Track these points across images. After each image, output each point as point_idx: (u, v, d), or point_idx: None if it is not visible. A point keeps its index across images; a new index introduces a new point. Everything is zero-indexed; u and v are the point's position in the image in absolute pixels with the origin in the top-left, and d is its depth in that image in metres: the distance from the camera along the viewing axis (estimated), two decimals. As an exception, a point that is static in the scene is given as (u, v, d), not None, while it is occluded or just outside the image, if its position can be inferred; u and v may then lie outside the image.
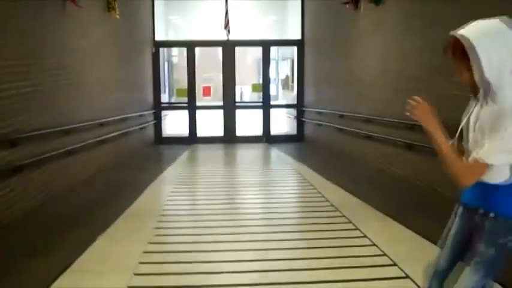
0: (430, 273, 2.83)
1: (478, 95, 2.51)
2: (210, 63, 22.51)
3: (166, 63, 19.81)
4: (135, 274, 4.44)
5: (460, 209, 2.74)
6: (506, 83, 2.36)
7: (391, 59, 9.24)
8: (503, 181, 2.47)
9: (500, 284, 4.03)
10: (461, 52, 2.43)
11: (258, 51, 17.47)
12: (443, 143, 2.50)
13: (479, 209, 2.57)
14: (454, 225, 2.77)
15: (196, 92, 16.01)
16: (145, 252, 5.05)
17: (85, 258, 4.84)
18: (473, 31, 2.39)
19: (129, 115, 12.13)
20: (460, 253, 2.67)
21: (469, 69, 2.43)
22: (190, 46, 15.81)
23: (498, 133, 2.34)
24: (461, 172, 2.46)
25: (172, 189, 8.41)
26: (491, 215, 2.51)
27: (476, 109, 2.52)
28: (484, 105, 2.46)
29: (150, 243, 5.37)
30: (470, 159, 2.43)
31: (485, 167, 2.39)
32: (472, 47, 2.35)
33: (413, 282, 4.13)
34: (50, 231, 5.84)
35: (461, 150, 2.59)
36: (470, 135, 2.55)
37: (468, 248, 2.59)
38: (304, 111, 15.68)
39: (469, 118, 2.58)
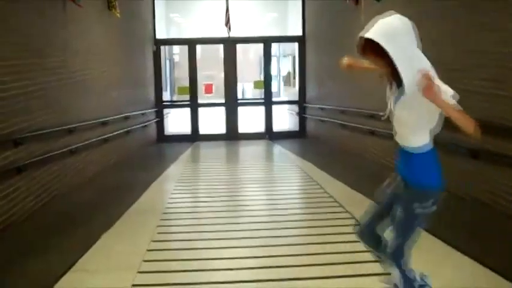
0: (364, 221, 3.31)
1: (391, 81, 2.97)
2: (211, 61, 22.51)
3: (167, 61, 19.80)
4: (139, 272, 4.44)
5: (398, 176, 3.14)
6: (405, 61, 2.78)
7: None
8: (422, 145, 2.96)
9: (500, 274, 4.05)
10: (371, 50, 2.85)
11: (259, 48, 17.46)
12: (455, 108, 2.73)
13: (402, 178, 3.08)
14: (392, 186, 3.19)
15: (198, 89, 16.02)
16: (149, 250, 5.05)
17: (89, 256, 4.85)
18: (379, 31, 2.80)
19: (131, 113, 12.14)
20: (388, 211, 3.16)
21: (385, 63, 2.84)
22: (191, 44, 15.81)
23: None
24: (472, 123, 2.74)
25: (175, 187, 8.42)
26: (407, 183, 3.02)
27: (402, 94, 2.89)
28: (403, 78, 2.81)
29: (154, 241, 5.38)
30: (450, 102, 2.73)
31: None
32: (383, 44, 2.75)
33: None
34: (53, 230, 5.85)
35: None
36: (396, 114, 2.97)
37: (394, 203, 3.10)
38: (306, 107, 15.67)
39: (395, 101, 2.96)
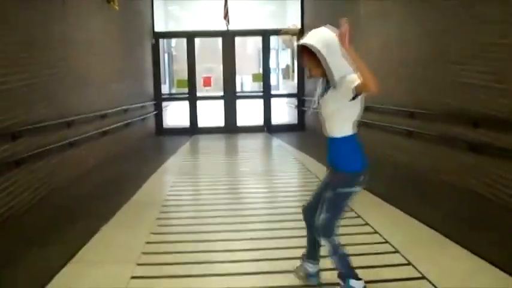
0: (305, 208, 3.87)
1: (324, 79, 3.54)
2: (210, 54, 22.49)
3: (166, 55, 19.77)
4: (138, 264, 4.46)
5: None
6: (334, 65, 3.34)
7: (392, 46, 9.22)
8: (345, 135, 3.53)
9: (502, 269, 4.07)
10: (308, 55, 3.41)
11: (258, 41, 17.44)
12: (361, 61, 3.19)
13: (330, 167, 3.63)
14: (325, 176, 3.77)
15: (197, 82, 16.01)
16: (148, 242, 5.07)
17: (88, 248, 4.87)
18: (315, 39, 3.38)
19: (130, 106, 12.15)
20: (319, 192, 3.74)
21: (318, 65, 3.41)
22: (190, 37, 15.79)
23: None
24: (372, 78, 3.16)
25: (174, 180, 8.43)
26: (333, 170, 3.59)
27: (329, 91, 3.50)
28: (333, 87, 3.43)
29: (153, 233, 5.39)
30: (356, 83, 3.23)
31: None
32: (318, 51, 3.32)
33: (416, 268, 4.14)
34: (53, 222, 5.86)
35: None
36: (324, 107, 3.57)
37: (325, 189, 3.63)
38: (305, 100, 15.66)
39: (322, 95, 3.59)
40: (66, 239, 5.17)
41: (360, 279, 3.60)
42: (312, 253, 3.93)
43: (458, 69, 6.84)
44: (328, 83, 3.47)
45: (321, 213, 3.56)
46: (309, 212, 3.80)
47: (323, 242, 3.64)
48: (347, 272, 3.61)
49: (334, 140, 3.59)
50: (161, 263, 4.54)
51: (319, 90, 3.62)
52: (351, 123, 3.51)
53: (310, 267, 3.94)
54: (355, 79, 3.21)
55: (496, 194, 6.10)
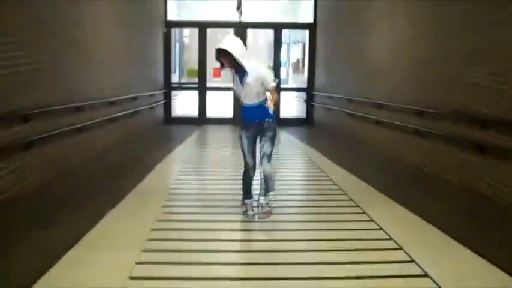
0: (252, 170, 5.62)
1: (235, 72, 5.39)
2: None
3: (177, 44, 19.78)
4: (143, 251, 4.49)
5: (247, 127, 5.45)
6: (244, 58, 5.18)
7: (403, 44, 9.21)
8: (263, 100, 5.37)
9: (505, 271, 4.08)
10: (223, 54, 5.16)
11: (269, 34, 17.42)
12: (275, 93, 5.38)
13: (263, 120, 5.38)
14: (245, 140, 5.49)
15: (207, 73, 16.01)
16: (153, 229, 5.10)
17: (94, 233, 4.90)
18: (230, 44, 5.14)
19: (139, 94, 12.18)
20: (254, 146, 5.56)
21: (230, 62, 5.23)
22: (202, 27, 15.79)
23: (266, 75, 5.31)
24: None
25: (181, 169, 8.47)
26: (268, 120, 5.39)
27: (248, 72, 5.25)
28: (246, 76, 5.27)
29: (158, 220, 5.42)
30: (270, 90, 5.33)
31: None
32: (233, 54, 5.10)
33: (418, 266, 4.15)
34: (60, 205, 5.90)
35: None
36: (247, 87, 5.33)
37: (261, 138, 5.48)
38: (314, 95, 15.67)
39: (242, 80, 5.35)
40: (72, 223, 5.21)
41: None
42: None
43: (467, 69, 6.84)
44: (243, 73, 5.28)
45: (267, 148, 5.48)
46: (254, 164, 5.62)
47: (270, 167, 5.54)
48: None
49: (258, 105, 5.39)
50: (166, 250, 4.56)
51: (236, 77, 5.42)
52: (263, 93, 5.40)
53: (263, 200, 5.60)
54: (271, 83, 5.31)
55: (500, 195, 6.10)
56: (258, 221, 5.50)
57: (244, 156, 5.54)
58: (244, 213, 5.61)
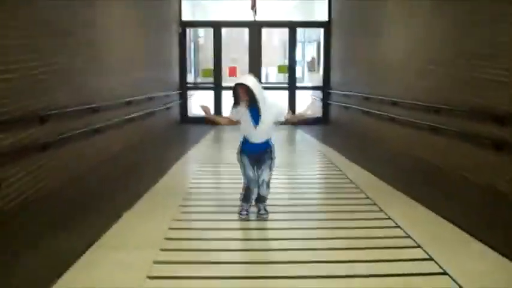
0: (253, 183, 5.56)
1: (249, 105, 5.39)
2: (236, 44, 22.48)
3: (192, 44, 19.82)
4: (161, 250, 4.50)
5: (247, 155, 5.55)
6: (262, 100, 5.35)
7: (419, 42, 9.15)
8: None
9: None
10: (246, 90, 5.31)
11: (284, 32, 17.40)
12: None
13: (264, 150, 5.52)
14: (245, 158, 5.56)
15: (222, 72, 16.03)
16: (170, 228, 5.11)
17: (111, 233, 4.92)
18: (250, 81, 5.33)
19: (155, 94, 12.22)
20: (254, 169, 5.56)
21: (248, 96, 5.32)
22: (216, 26, 15.81)
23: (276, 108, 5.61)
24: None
25: (197, 168, 8.48)
26: (269, 149, 5.55)
27: (263, 111, 5.39)
28: (260, 117, 5.39)
29: (175, 220, 5.44)
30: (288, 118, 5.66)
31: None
32: (252, 90, 5.28)
33: (437, 264, 4.12)
34: (77, 206, 5.94)
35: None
36: (261, 125, 5.42)
37: (260, 164, 5.53)
38: (329, 93, 15.62)
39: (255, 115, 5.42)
40: (89, 224, 5.24)
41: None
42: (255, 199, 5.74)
43: (481, 66, 6.78)
44: (253, 107, 5.38)
45: (266, 175, 5.53)
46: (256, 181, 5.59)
47: (268, 191, 5.61)
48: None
49: (265, 142, 5.55)
50: (183, 249, 4.58)
51: (246, 111, 5.42)
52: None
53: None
54: (283, 114, 5.61)
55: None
56: (274, 219, 5.50)
57: (245, 171, 5.58)
58: (238, 213, 5.66)
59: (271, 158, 5.57)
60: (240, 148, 5.61)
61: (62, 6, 7.10)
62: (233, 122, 5.62)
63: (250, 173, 5.53)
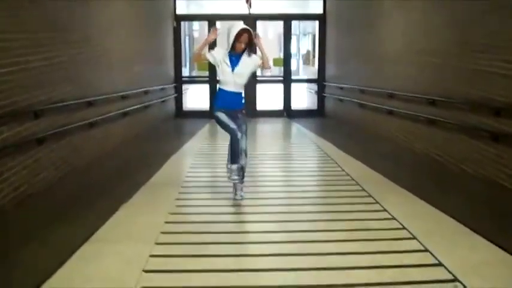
0: (236, 131, 5.76)
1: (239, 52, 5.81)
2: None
3: (187, 37, 19.78)
4: (157, 243, 4.50)
5: (223, 111, 5.87)
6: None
7: (415, 33, 9.14)
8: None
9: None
10: (248, 36, 5.69)
11: (279, 25, 17.36)
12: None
13: (238, 109, 5.91)
14: (222, 115, 5.86)
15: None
16: (166, 222, 5.12)
17: (108, 227, 4.92)
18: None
19: (150, 88, 12.20)
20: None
21: (246, 43, 5.75)
22: (211, 20, 15.76)
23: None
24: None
25: (193, 162, 8.48)
26: (240, 109, 5.92)
27: (243, 59, 5.85)
28: (247, 57, 5.86)
29: (172, 213, 5.44)
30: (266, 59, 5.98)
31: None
32: (255, 34, 5.76)
33: (432, 255, 4.14)
34: (73, 201, 5.95)
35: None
36: (239, 71, 5.84)
37: (235, 122, 5.82)
38: (325, 86, 15.61)
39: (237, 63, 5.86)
40: (86, 218, 5.24)
41: None
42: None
43: (481, 58, 6.78)
44: (240, 56, 5.81)
45: (244, 139, 5.81)
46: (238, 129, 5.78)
47: (245, 159, 5.88)
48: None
49: (238, 93, 5.91)
50: (180, 243, 4.58)
51: (225, 56, 5.82)
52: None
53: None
54: (259, 59, 5.88)
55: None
56: (271, 212, 5.51)
57: (225, 125, 5.83)
58: (229, 178, 5.90)
59: (245, 122, 5.90)
60: (215, 106, 5.95)
61: (59, 1, 7.08)
62: (200, 54, 6.10)
63: (230, 124, 5.77)
